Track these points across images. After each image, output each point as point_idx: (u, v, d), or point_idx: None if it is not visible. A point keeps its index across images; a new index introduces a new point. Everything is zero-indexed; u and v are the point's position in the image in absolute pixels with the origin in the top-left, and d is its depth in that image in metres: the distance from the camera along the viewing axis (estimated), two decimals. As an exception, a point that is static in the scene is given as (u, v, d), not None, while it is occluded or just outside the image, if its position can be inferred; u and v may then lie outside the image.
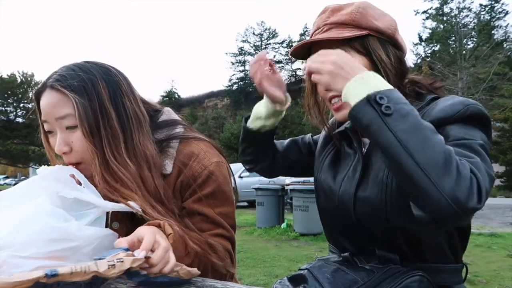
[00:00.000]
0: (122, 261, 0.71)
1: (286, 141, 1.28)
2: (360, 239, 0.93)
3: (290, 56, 1.02)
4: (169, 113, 1.12)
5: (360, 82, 0.76)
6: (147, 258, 0.76)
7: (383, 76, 0.84)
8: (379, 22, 0.93)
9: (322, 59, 0.81)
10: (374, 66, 0.91)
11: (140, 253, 0.75)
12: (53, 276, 0.65)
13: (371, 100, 0.73)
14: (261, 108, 1.14)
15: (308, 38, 1.00)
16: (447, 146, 0.70)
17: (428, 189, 0.66)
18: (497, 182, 20.81)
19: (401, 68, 0.94)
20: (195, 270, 0.86)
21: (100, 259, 0.75)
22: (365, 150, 0.97)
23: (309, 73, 0.84)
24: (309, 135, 1.28)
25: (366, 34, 0.92)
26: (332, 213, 0.99)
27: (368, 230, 0.90)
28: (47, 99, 0.94)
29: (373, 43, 0.92)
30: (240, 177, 11.90)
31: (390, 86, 0.76)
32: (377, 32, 0.92)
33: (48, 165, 1.02)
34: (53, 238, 0.81)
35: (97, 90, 0.93)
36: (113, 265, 0.70)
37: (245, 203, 12.74)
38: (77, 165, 0.96)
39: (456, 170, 0.67)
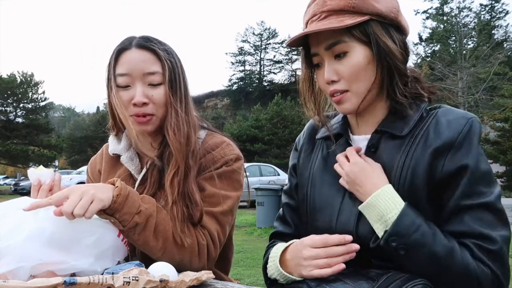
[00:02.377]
0: (137, 280, 0.72)
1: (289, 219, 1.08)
2: (358, 253, 0.87)
3: (286, 46, 0.99)
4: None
5: (369, 209, 0.84)
6: (162, 281, 0.77)
7: (389, 65, 0.86)
8: (380, 5, 0.86)
9: (344, 164, 0.91)
10: (378, 56, 0.86)
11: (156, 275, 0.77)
12: (71, 284, 0.67)
13: (386, 244, 0.80)
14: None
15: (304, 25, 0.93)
16: (463, 263, 0.77)
17: None
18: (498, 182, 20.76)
19: (406, 53, 0.90)
20: (205, 276, 0.86)
21: (113, 273, 0.76)
22: None
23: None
24: (288, 176, 1.12)
25: (367, 20, 0.85)
26: (329, 231, 0.89)
27: (368, 246, 0.85)
28: (137, 54, 1.06)
29: (376, 29, 0.86)
30: (240, 177, 11.87)
31: (397, 209, 0.81)
32: (379, 16, 0.86)
33: (37, 166, 1.07)
34: (56, 227, 0.82)
35: (175, 59, 1.11)
36: (128, 282, 0.72)
37: (245, 203, 12.75)
38: (151, 117, 1.07)
39: (476, 281, 0.77)
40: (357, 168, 0.87)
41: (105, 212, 0.92)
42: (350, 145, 0.96)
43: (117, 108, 1.09)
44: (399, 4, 0.91)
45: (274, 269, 0.92)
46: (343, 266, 0.81)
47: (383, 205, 0.82)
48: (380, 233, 0.82)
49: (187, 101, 1.12)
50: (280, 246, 0.94)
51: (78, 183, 1.06)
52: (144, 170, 1.15)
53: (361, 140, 0.95)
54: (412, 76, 0.92)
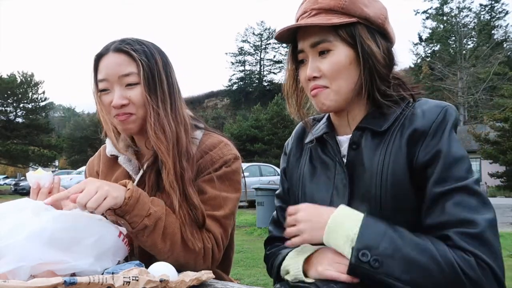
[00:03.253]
0: (137, 280, 0.73)
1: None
2: None
3: (275, 40, 0.99)
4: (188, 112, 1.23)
5: (334, 234, 0.80)
6: (162, 281, 0.77)
7: (370, 68, 0.87)
8: (369, 10, 0.89)
9: (293, 220, 0.87)
10: (360, 57, 0.88)
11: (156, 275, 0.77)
12: (71, 284, 0.67)
13: (358, 261, 0.75)
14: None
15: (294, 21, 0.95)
16: (442, 257, 0.73)
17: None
18: (497, 182, 20.75)
19: (390, 59, 0.92)
20: (205, 276, 0.86)
21: (113, 273, 0.76)
22: (346, 160, 0.94)
23: (289, 235, 0.88)
24: (281, 180, 1.14)
25: (354, 22, 0.88)
26: None
27: None
28: (113, 58, 1.07)
29: (362, 32, 0.88)
30: (240, 177, 11.88)
31: (359, 221, 0.79)
32: (366, 20, 0.89)
33: (35, 168, 1.07)
34: (57, 227, 0.82)
35: (154, 57, 1.10)
36: (128, 282, 0.72)
37: (245, 203, 12.74)
38: (130, 115, 1.07)
39: (461, 273, 0.72)
40: (304, 213, 0.87)
41: (116, 213, 0.93)
42: (336, 141, 0.97)
43: (100, 113, 1.12)
44: (387, 13, 0.93)
45: (294, 263, 0.89)
46: (357, 279, 0.79)
47: (346, 222, 0.80)
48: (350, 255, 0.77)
49: (172, 100, 1.10)
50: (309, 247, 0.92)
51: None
52: (141, 172, 1.15)
53: (344, 141, 0.96)
54: (395, 81, 0.93)
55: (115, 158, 1.21)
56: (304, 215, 0.87)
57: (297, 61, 0.98)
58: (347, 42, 0.88)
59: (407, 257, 0.74)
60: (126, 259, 1.03)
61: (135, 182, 1.14)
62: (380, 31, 0.91)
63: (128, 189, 0.94)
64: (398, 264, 0.74)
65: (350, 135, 0.94)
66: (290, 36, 0.95)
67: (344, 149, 0.95)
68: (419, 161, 0.83)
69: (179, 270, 0.88)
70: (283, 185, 1.10)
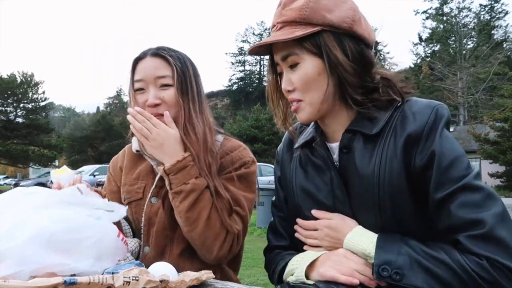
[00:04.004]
0: (137, 280, 0.72)
1: (282, 231, 1.09)
2: None
3: (249, 54, 0.97)
4: None
5: (353, 250, 0.85)
6: (162, 281, 0.77)
7: (339, 77, 0.86)
8: (332, 15, 0.85)
9: (311, 235, 0.94)
10: (329, 67, 0.86)
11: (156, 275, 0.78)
12: (71, 284, 0.67)
13: (379, 276, 0.77)
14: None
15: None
16: (456, 265, 0.73)
17: None
18: (497, 182, 20.77)
19: (363, 63, 0.87)
20: (205, 276, 0.86)
21: (113, 273, 0.76)
22: (338, 164, 0.92)
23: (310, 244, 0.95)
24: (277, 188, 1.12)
25: (319, 31, 0.85)
26: None
27: None
28: (150, 62, 1.20)
29: (328, 40, 0.85)
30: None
31: (374, 241, 0.82)
32: (331, 27, 0.85)
33: (58, 166, 1.10)
34: (56, 228, 0.82)
35: (186, 64, 1.23)
36: (128, 282, 0.72)
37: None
38: (162, 116, 1.17)
39: (477, 278, 0.71)
40: (322, 232, 0.91)
41: (164, 169, 1.10)
42: (326, 146, 0.95)
43: None
44: (356, 13, 0.88)
45: (298, 263, 0.91)
46: (356, 281, 0.80)
47: (362, 242, 0.83)
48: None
49: (200, 102, 1.22)
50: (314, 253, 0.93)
51: (78, 183, 1.06)
52: None
53: (335, 147, 0.94)
54: (384, 82, 0.91)
55: (140, 154, 1.28)
56: (322, 234, 0.91)
57: (277, 72, 0.97)
58: (313, 53, 0.86)
59: (425, 269, 0.75)
60: (139, 249, 1.11)
61: (158, 175, 1.21)
62: (349, 34, 0.87)
63: (183, 157, 1.11)
64: (419, 275, 0.74)
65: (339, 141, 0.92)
66: (267, 50, 0.95)
67: (336, 156, 0.93)
68: (416, 165, 0.81)
69: (178, 270, 0.88)
70: (279, 194, 1.10)
